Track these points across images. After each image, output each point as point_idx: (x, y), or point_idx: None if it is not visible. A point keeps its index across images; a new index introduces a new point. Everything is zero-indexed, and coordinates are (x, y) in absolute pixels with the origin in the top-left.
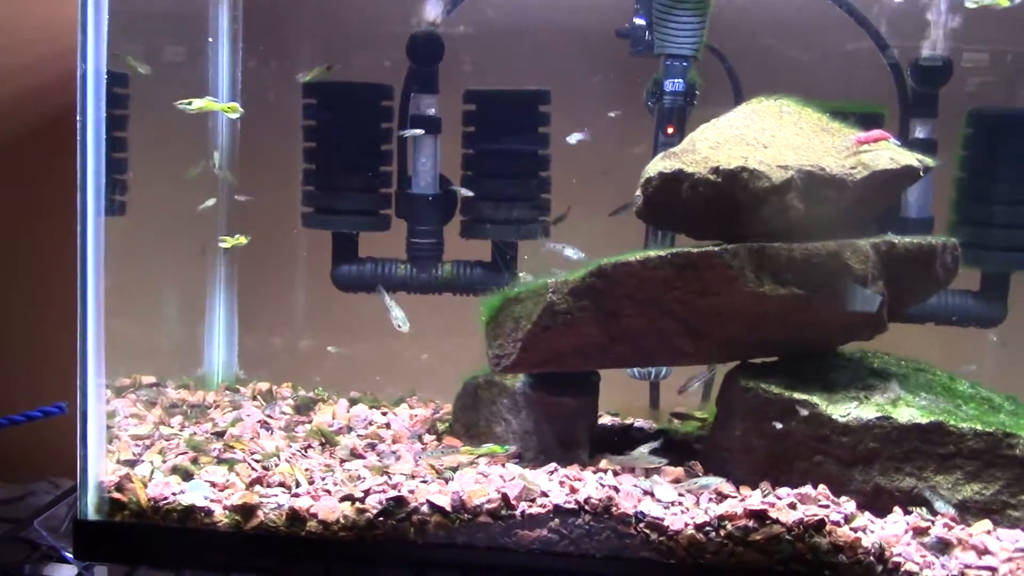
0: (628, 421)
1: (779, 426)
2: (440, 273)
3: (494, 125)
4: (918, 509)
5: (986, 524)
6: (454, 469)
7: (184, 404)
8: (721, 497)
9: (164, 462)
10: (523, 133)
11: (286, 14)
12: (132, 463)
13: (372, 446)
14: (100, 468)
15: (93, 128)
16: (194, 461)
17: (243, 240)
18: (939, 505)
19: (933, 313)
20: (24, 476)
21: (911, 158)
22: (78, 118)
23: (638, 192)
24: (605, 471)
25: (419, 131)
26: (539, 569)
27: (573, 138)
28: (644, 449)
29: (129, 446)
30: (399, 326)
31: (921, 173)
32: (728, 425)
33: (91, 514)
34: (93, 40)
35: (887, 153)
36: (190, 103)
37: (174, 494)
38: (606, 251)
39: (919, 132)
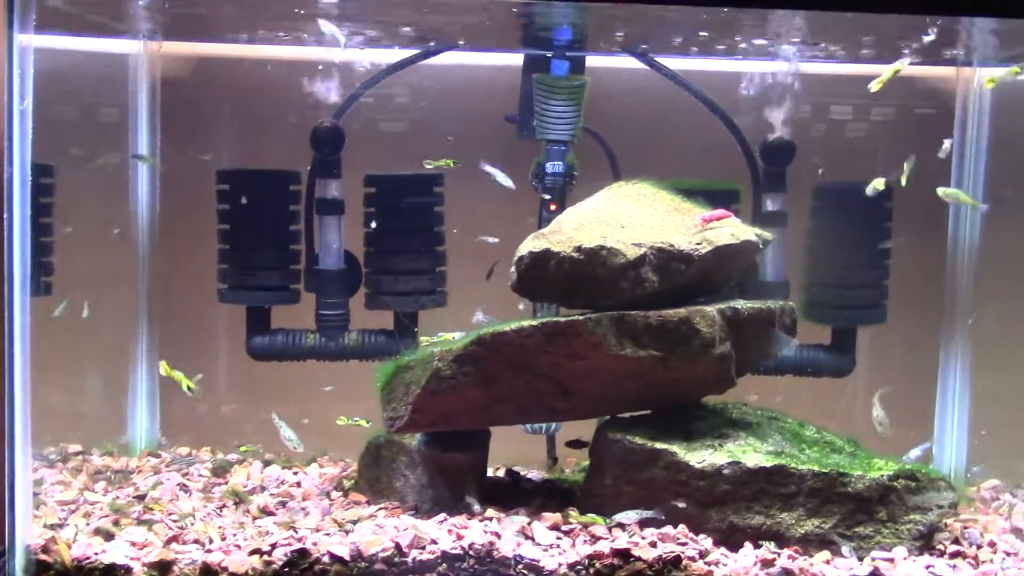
0: (522, 473)
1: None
2: (347, 342)
3: (392, 206)
4: (767, 543)
5: (825, 555)
6: (354, 522)
7: (108, 470)
8: (594, 539)
9: (88, 525)
10: (419, 213)
11: (201, 105)
12: (58, 527)
13: (283, 503)
14: (27, 532)
15: (19, 224)
16: (116, 523)
17: None
18: (845, 550)
19: (791, 366)
20: None
21: (750, 233)
22: (4, 216)
23: (512, 269)
24: (491, 519)
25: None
26: None
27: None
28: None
29: (55, 511)
30: (294, 447)
31: (760, 246)
32: (600, 473)
33: (19, 575)
34: (19, 146)
35: (729, 229)
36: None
37: (96, 554)
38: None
39: (770, 205)
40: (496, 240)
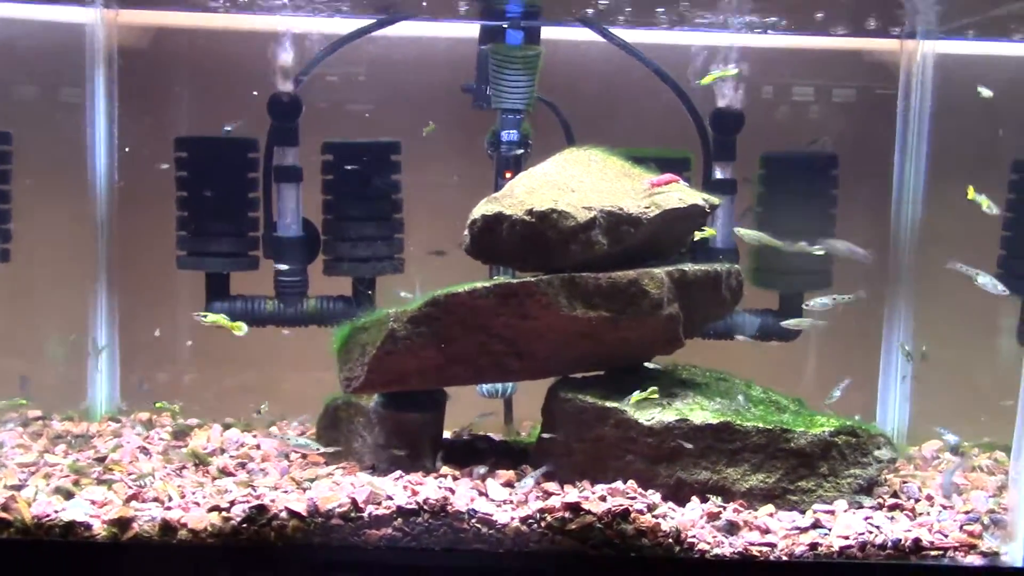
0: (480, 435)
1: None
2: (305, 308)
3: (350, 173)
4: (713, 497)
5: (769, 508)
6: (312, 480)
7: (68, 435)
8: (547, 494)
9: (48, 485)
10: (376, 180)
11: (160, 73)
12: (18, 487)
13: (242, 465)
14: None
15: None
16: (76, 483)
17: None
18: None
19: (740, 329)
20: None
21: (697, 197)
22: None
23: (466, 232)
24: (446, 476)
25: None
26: (386, 563)
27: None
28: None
29: (15, 473)
30: (317, 450)
31: (708, 210)
32: (552, 432)
33: None
34: None
35: (677, 194)
36: None
37: (56, 511)
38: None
39: (720, 173)
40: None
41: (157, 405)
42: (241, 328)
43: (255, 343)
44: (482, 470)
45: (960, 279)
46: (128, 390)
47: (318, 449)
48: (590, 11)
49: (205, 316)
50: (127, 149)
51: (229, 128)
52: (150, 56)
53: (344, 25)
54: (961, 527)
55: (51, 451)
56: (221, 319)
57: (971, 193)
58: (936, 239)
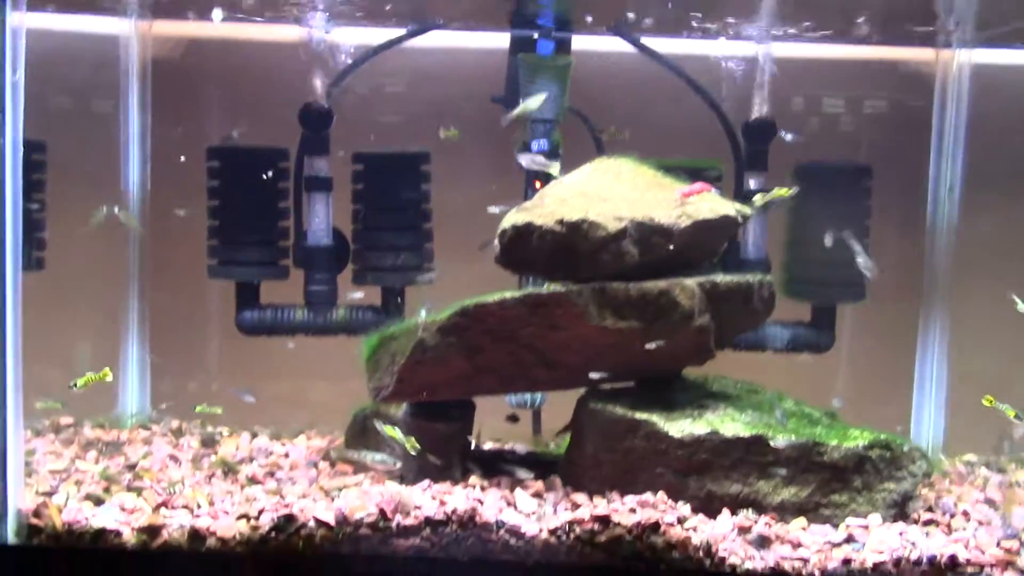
0: (508, 446)
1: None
2: (335, 317)
3: (380, 183)
4: (744, 511)
5: (801, 521)
6: (340, 489)
7: (99, 442)
8: (575, 506)
9: (79, 492)
10: (406, 190)
11: (192, 81)
12: (49, 494)
13: (271, 473)
14: (19, 498)
15: (11, 198)
16: (106, 490)
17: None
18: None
19: (771, 341)
20: None
21: (729, 208)
22: None
23: (495, 242)
24: (474, 486)
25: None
26: (414, 573)
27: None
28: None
29: (47, 479)
30: (394, 464)
31: (740, 220)
32: (581, 444)
33: (10, 538)
34: (11, 117)
35: (708, 204)
36: None
37: (87, 518)
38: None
39: (752, 184)
40: None
41: (198, 409)
42: (108, 375)
43: (287, 352)
44: (515, 472)
45: (995, 290)
46: (158, 399)
47: (395, 463)
48: (622, 20)
49: (75, 384)
50: (183, 158)
51: (235, 134)
52: (183, 66)
53: (375, 35)
54: (998, 543)
55: (82, 458)
56: (89, 377)
57: None
58: (972, 251)
